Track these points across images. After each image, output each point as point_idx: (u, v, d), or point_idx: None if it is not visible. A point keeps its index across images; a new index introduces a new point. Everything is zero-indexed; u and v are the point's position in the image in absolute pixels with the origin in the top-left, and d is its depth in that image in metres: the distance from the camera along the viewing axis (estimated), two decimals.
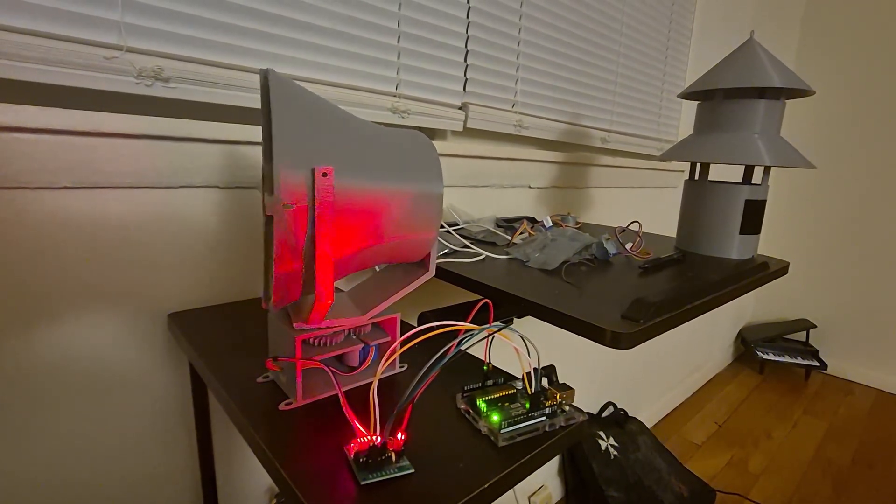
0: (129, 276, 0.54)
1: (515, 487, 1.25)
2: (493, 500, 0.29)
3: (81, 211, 0.50)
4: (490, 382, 0.38)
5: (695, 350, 2.10)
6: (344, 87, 0.69)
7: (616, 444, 1.35)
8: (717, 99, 0.68)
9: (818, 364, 2.20)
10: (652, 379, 1.81)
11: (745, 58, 0.66)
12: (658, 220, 1.62)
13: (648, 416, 1.82)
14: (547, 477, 1.38)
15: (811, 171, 2.33)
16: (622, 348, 0.38)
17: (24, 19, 0.44)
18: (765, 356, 2.25)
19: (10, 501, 0.50)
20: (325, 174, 0.30)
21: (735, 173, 1.89)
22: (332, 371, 0.35)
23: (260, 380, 0.41)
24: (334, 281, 0.36)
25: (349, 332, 0.42)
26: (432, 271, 0.42)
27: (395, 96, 0.75)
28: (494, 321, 0.37)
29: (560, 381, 0.38)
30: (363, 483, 0.28)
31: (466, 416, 0.36)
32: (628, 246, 0.68)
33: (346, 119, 0.36)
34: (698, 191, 0.71)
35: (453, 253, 0.63)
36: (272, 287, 0.32)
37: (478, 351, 0.86)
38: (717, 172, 1.81)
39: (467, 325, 0.32)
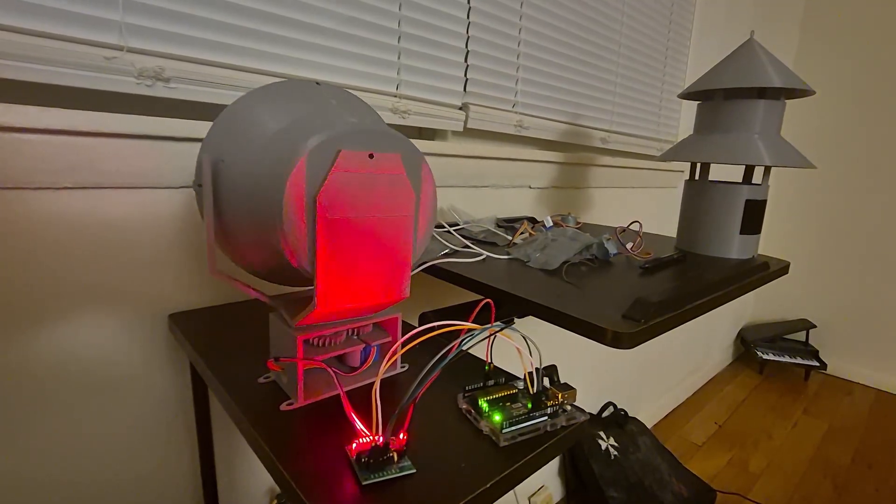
0: (131, 277, 0.54)
1: (516, 488, 1.25)
2: (494, 501, 0.29)
3: (83, 211, 0.50)
4: (491, 382, 0.38)
5: (695, 350, 2.10)
6: (344, 87, 0.69)
7: (616, 445, 1.35)
8: (717, 99, 0.68)
9: (818, 364, 2.20)
10: (652, 379, 1.81)
11: (745, 58, 0.66)
12: (658, 220, 1.62)
13: (648, 416, 1.82)
14: (547, 477, 1.38)
15: (812, 170, 2.33)
16: (623, 348, 0.38)
17: (25, 20, 0.44)
18: (765, 356, 2.25)
19: (10, 500, 0.50)
20: (207, 160, 0.35)
21: (735, 173, 1.89)
22: (333, 371, 0.35)
23: (261, 380, 0.41)
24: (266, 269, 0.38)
25: (350, 333, 0.42)
26: (312, 306, 0.32)
27: (395, 97, 0.75)
28: (496, 321, 0.37)
29: (561, 381, 0.38)
30: (365, 483, 0.28)
31: (468, 416, 0.36)
32: (629, 246, 0.68)
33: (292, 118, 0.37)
34: (698, 191, 0.71)
35: (454, 253, 0.63)
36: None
37: (479, 351, 0.86)
38: (717, 172, 1.81)
39: (469, 325, 0.32)
